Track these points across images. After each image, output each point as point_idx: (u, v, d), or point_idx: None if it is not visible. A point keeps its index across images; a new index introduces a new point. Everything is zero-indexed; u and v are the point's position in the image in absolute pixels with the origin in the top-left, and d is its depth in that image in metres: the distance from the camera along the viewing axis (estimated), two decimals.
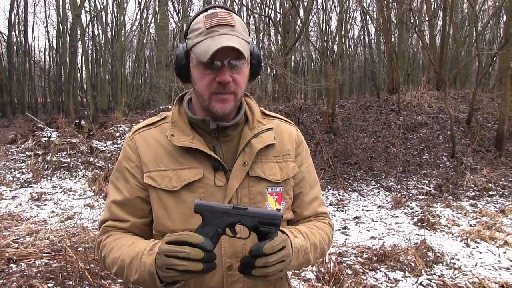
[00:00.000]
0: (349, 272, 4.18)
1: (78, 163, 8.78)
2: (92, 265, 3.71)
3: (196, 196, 1.19)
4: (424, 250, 4.63)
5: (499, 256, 4.81)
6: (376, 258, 4.59)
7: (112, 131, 10.47)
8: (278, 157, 1.32)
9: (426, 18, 14.76)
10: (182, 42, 1.24)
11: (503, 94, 10.62)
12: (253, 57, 1.24)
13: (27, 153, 9.55)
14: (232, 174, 1.23)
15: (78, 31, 23.69)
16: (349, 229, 6.08)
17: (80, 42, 24.71)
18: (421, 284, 4.02)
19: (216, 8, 1.19)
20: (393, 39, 14.47)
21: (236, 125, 1.28)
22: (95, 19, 27.84)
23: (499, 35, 20.31)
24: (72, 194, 7.47)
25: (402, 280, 4.08)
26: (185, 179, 1.21)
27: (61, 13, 26.82)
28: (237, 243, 1.21)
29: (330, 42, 18.12)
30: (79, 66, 29.88)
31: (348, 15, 20.02)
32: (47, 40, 31.38)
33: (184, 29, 1.28)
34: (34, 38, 67.19)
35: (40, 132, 10.32)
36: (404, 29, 15.19)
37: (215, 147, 1.26)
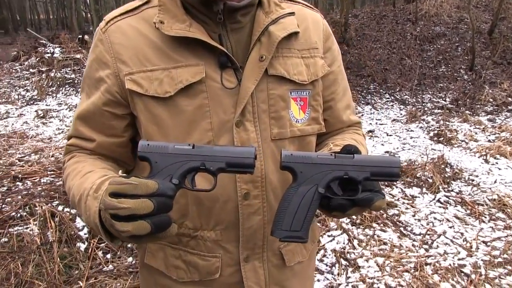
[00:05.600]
0: None
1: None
2: None
3: (198, 103, 0.91)
4: (442, 166, 4.47)
5: None
6: None
7: None
8: (303, 50, 1.00)
9: None
10: None
11: None
12: None
13: (30, 70, 9.38)
14: (246, 72, 0.92)
15: None
16: None
17: None
18: (438, 201, 3.90)
19: None
20: None
21: (248, 7, 0.95)
22: None
23: None
24: None
25: (419, 197, 3.96)
26: (181, 81, 0.90)
27: None
28: (257, 165, 0.92)
29: None
30: None
31: None
32: None
33: None
34: None
35: (43, 48, 10.04)
36: None
37: (221, 36, 0.93)
